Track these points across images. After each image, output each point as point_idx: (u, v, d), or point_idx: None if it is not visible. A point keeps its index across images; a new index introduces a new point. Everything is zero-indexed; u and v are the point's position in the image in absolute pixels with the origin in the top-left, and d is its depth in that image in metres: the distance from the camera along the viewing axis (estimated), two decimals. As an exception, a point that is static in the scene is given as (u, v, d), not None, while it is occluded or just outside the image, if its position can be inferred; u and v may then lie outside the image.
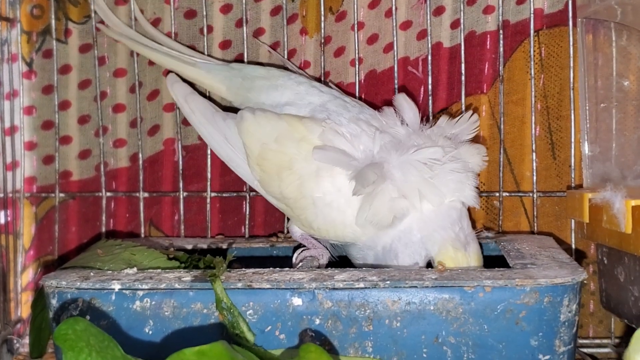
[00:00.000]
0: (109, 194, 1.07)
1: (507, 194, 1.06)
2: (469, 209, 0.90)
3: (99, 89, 1.06)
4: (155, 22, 1.05)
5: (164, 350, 0.75)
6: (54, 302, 0.79)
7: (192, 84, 1.02)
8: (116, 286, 0.78)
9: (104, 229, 1.07)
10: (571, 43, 1.02)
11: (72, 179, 1.07)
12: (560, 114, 1.05)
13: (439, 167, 0.86)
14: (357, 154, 0.88)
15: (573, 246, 1.04)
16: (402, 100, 0.92)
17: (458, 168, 0.88)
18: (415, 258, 0.86)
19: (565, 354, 0.78)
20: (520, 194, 1.06)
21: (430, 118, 1.04)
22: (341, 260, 0.95)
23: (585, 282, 0.82)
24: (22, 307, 1.06)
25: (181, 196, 1.07)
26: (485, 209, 1.06)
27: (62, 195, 1.07)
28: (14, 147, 1.06)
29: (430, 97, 1.04)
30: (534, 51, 1.04)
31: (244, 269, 0.82)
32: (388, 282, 0.77)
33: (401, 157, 0.86)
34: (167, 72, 1.06)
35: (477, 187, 0.90)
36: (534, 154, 1.04)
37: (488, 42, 1.04)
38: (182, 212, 1.07)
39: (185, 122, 1.06)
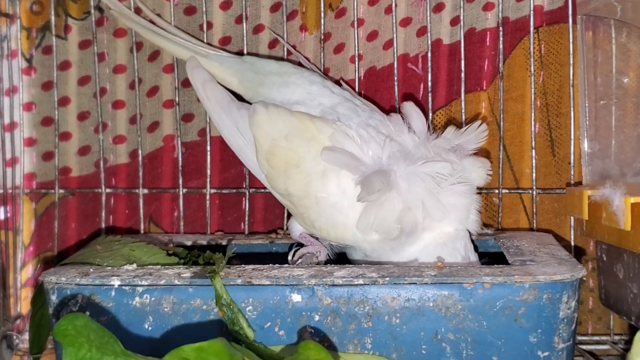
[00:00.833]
0: (108, 190, 1.07)
1: (507, 191, 1.06)
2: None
3: (98, 85, 1.06)
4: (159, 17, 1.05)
5: (163, 346, 0.75)
6: (54, 298, 0.79)
7: (189, 85, 1.02)
8: (116, 282, 0.78)
9: (103, 225, 1.07)
10: (571, 40, 1.02)
11: (72, 175, 1.07)
12: (559, 111, 1.05)
13: (446, 183, 0.87)
14: (366, 159, 0.88)
15: (572, 243, 1.04)
16: (411, 108, 0.92)
17: (466, 191, 0.88)
18: None
19: (564, 351, 0.78)
20: (519, 191, 1.06)
21: (430, 115, 1.04)
22: (340, 259, 0.95)
23: (584, 279, 0.82)
24: (22, 303, 1.06)
25: (181, 193, 1.07)
26: (484, 206, 1.06)
27: (61, 191, 1.07)
28: (14, 144, 1.06)
29: (429, 94, 1.04)
30: (534, 48, 1.04)
31: (243, 265, 0.82)
32: (387, 278, 0.77)
33: (409, 167, 0.86)
34: (168, 68, 1.06)
35: (479, 211, 0.90)
36: (533, 151, 1.04)
37: (488, 39, 1.04)
38: (181, 208, 1.07)
39: (185, 119, 1.06)
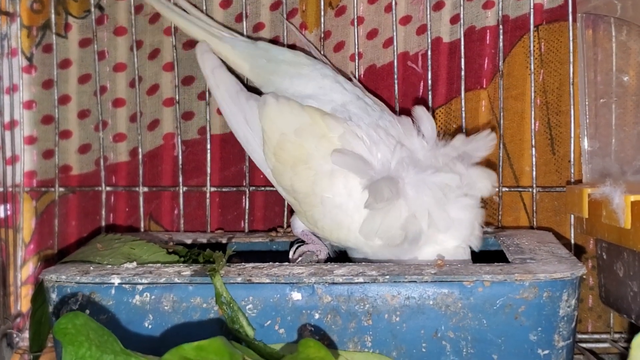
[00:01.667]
0: (108, 188, 1.07)
1: (507, 189, 1.06)
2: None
3: (98, 83, 1.06)
4: (155, 17, 1.05)
5: (163, 344, 0.75)
6: (54, 297, 0.79)
7: (189, 83, 1.02)
8: (116, 280, 0.78)
9: (103, 223, 1.07)
10: (571, 38, 1.02)
11: (72, 173, 1.08)
12: (559, 109, 1.05)
13: (453, 195, 0.86)
14: (375, 162, 0.87)
15: (572, 241, 1.04)
16: (422, 112, 0.92)
17: (472, 205, 0.88)
18: None
19: (564, 349, 0.78)
20: (519, 189, 1.06)
21: (430, 113, 1.04)
22: (340, 258, 0.95)
23: (584, 277, 0.82)
24: (22, 301, 1.06)
25: (181, 191, 1.07)
26: (484, 204, 1.06)
27: (62, 189, 1.07)
28: (14, 142, 1.06)
29: (429, 92, 1.04)
30: (534, 46, 1.04)
31: (243, 263, 0.82)
32: (387, 276, 0.77)
33: (417, 175, 0.86)
34: (169, 66, 1.06)
35: (482, 226, 0.90)
36: (533, 149, 1.04)
37: (488, 37, 1.04)
38: (181, 206, 1.07)
39: (185, 117, 1.06)
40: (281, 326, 0.77)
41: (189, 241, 1.01)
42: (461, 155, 0.90)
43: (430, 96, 1.04)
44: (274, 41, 1.06)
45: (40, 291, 0.89)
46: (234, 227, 1.09)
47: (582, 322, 1.06)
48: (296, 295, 0.77)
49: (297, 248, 0.94)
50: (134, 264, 0.83)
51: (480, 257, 0.90)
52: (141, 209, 1.07)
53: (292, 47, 1.06)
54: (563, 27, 1.04)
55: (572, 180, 1.04)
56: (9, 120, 1.05)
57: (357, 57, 1.05)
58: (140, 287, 0.78)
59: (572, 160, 1.03)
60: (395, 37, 1.04)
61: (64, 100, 1.07)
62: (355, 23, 1.05)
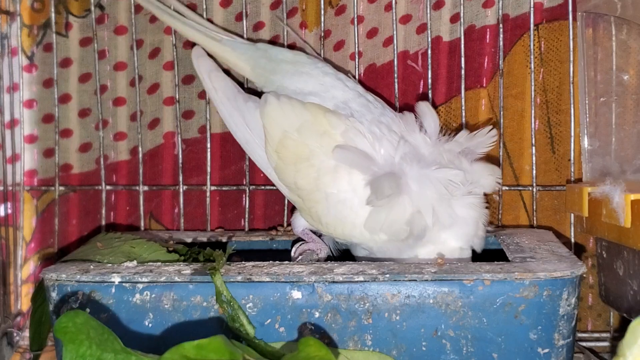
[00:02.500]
0: (109, 187, 1.07)
1: (507, 188, 1.06)
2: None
3: (99, 82, 1.06)
4: (155, 17, 1.05)
5: (163, 343, 0.76)
6: (54, 295, 0.79)
7: (190, 82, 1.02)
8: (116, 279, 0.78)
9: (104, 222, 1.07)
10: (571, 37, 1.02)
11: (73, 172, 1.08)
12: (559, 108, 1.05)
13: (457, 191, 0.86)
14: (378, 158, 0.87)
15: (572, 240, 1.04)
16: (425, 108, 0.92)
17: (476, 204, 0.88)
18: None
19: (564, 348, 0.78)
20: (519, 188, 1.06)
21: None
22: (340, 257, 0.95)
23: (584, 275, 0.82)
24: (22, 300, 1.06)
25: (181, 189, 1.07)
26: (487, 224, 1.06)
27: (62, 188, 1.07)
28: (15, 141, 1.06)
29: (429, 91, 1.04)
30: (534, 45, 1.04)
31: (243, 262, 0.82)
32: (387, 275, 0.77)
33: (421, 170, 0.86)
34: (169, 65, 1.06)
35: (486, 225, 0.91)
36: (533, 147, 1.04)
37: (487, 36, 1.04)
38: (182, 205, 1.07)
39: (186, 116, 1.06)
40: (281, 325, 0.78)
41: (189, 240, 1.01)
42: (464, 151, 0.90)
43: (430, 95, 1.04)
44: (274, 41, 1.06)
45: (40, 290, 0.89)
46: (234, 226, 1.09)
47: (581, 321, 1.06)
48: (296, 294, 0.77)
49: (298, 247, 0.94)
50: (134, 262, 0.83)
51: (480, 255, 0.90)
52: (141, 208, 1.07)
53: (292, 46, 1.06)
54: (563, 26, 1.04)
55: (572, 179, 1.04)
56: (10, 119, 1.05)
57: (357, 56, 1.05)
58: (140, 286, 0.78)
59: (572, 159, 1.03)
60: (395, 36, 1.04)
61: (64, 99, 1.07)
62: (355, 22, 1.05)
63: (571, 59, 1.02)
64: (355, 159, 0.87)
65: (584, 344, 1.02)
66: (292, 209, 0.97)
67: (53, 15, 1.05)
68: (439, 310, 0.77)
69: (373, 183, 0.85)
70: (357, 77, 1.05)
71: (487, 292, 0.76)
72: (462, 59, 1.04)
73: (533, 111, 1.04)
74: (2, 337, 1.00)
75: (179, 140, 1.07)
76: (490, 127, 0.93)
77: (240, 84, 1.01)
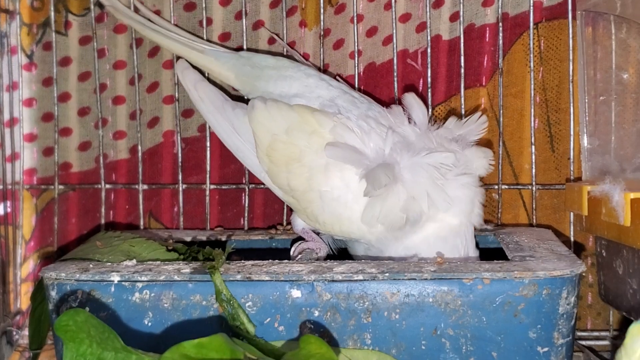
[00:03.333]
0: (108, 185, 1.07)
1: (506, 187, 1.06)
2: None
3: (98, 81, 1.06)
4: (155, 14, 1.05)
5: (163, 341, 0.76)
6: (54, 294, 0.79)
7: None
8: (115, 278, 0.78)
9: (103, 221, 1.07)
10: (570, 36, 1.02)
11: (72, 171, 1.08)
12: (559, 107, 1.05)
13: (450, 174, 0.87)
14: (368, 151, 0.88)
15: (572, 239, 1.04)
16: (412, 99, 0.92)
17: (470, 183, 0.88)
18: None
19: (563, 346, 0.78)
20: (519, 187, 1.06)
21: (430, 111, 1.04)
22: (340, 255, 0.95)
23: (583, 274, 0.82)
24: (22, 299, 1.06)
25: (180, 188, 1.07)
26: (484, 203, 1.06)
27: (61, 187, 1.07)
28: (14, 139, 1.06)
29: (429, 90, 1.04)
30: (533, 44, 1.04)
31: (243, 261, 0.82)
32: (387, 274, 0.77)
33: (412, 158, 0.86)
34: (168, 63, 1.06)
35: (483, 204, 0.91)
36: (532, 146, 1.04)
37: (487, 35, 1.04)
38: (181, 204, 1.07)
39: (185, 114, 1.06)
40: (281, 324, 0.78)
41: (188, 239, 1.01)
42: (456, 139, 0.90)
43: (429, 94, 1.04)
44: (274, 39, 1.06)
45: (40, 289, 0.89)
46: (234, 225, 1.09)
47: (581, 319, 1.06)
48: (296, 293, 0.77)
49: (297, 246, 0.94)
50: (134, 261, 0.83)
51: (480, 254, 0.90)
52: (141, 207, 1.07)
53: (292, 44, 1.06)
54: (563, 25, 1.04)
55: (572, 177, 1.04)
56: (9, 117, 1.05)
57: (356, 55, 1.05)
58: (139, 285, 0.78)
59: (571, 157, 1.03)
60: (394, 34, 1.04)
61: (64, 97, 1.07)
62: (355, 21, 1.05)
63: (571, 57, 1.02)
64: (347, 154, 0.87)
65: (583, 342, 1.02)
66: (291, 208, 0.96)
67: (52, 13, 1.05)
68: (439, 309, 0.77)
69: (368, 175, 0.85)
70: (356, 75, 1.05)
71: (487, 291, 0.76)
72: (462, 58, 1.04)
73: (532, 110, 1.04)
74: (1, 336, 1.00)
75: (178, 139, 1.07)
76: (480, 113, 0.93)
77: (227, 92, 1.01)
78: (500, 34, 1.03)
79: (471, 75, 1.05)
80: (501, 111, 1.04)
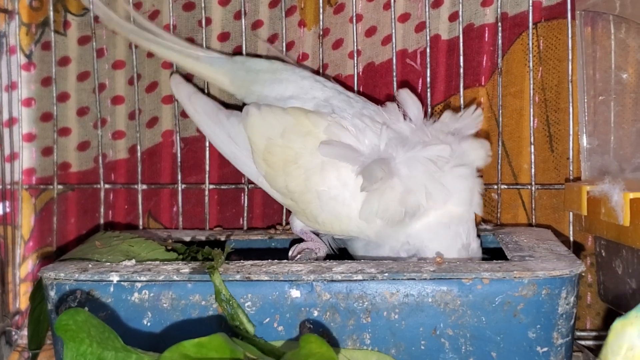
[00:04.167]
0: (107, 185, 1.07)
1: (505, 187, 1.06)
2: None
3: (97, 80, 1.06)
4: (154, 15, 1.05)
5: (162, 341, 0.75)
6: (53, 294, 0.79)
7: (189, 80, 1.03)
8: (114, 278, 0.78)
9: (102, 221, 1.07)
10: (570, 36, 1.02)
11: (71, 171, 1.08)
12: (558, 107, 1.05)
13: (447, 166, 0.87)
14: (363, 148, 0.88)
15: (571, 239, 1.04)
16: (406, 95, 0.92)
17: (467, 174, 0.89)
18: None
19: (562, 346, 0.78)
20: (518, 187, 1.06)
21: (429, 111, 1.04)
22: (340, 255, 0.95)
23: (583, 274, 0.82)
24: (21, 299, 1.06)
25: (179, 188, 1.07)
26: (483, 201, 1.06)
27: (60, 186, 1.07)
28: (13, 139, 1.06)
29: (428, 90, 1.04)
30: (533, 44, 1.04)
31: (242, 261, 0.82)
32: (386, 274, 0.77)
33: (408, 153, 0.86)
34: (167, 63, 1.06)
35: (482, 194, 0.91)
36: (532, 146, 1.04)
37: (486, 35, 1.04)
38: (180, 204, 1.07)
39: (184, 114, 1.06)
40: (280, 323, 0.77)
41: (187, 238, 1.01)
42: (451, 132, 0.91)
43: (428, 94, 1.04)
44: (273, 39, 1.06)
45: (39, 289, 0.88)
46: (233, 225, 1.09)
47: (580, 319, 1.06)
48: (295, 293, 0.77)
49: (296, 246, 0.94)
50: (133, 261, 0.83)
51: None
52: (140, 207, 1.07)
53: (291, 44, 1.06)
54: (562, 25, 1.04)
55: (571, 177, 1.04)
56: (8, 117, 1.05)
57: (355, 55, 1.05)
58: (138, 285, 0.78)
59: (570, 157, 1.03)
60: (394, 34, 1.04)
61: (63, 97, 1.07)
62: (354, 20, 1.05)
63: (570, 57, 1.02)
64: (341, 152, 0.87)
65: (582, 342, 1.02)
66: (291, 210, 0.96)
67: (52, 13, 1.05)
68: (438, 309, 0.77)
69: (364, 170, 0.86)
70: (355, 75, 1.05)
71: (486, 291, 0.76)
72: (461, 58, 1.04)
73: (532, 110, 1.04)
74: (0, 336, 1.00)
75: (177, 139, 1.07)
76: (475, 106, 0.93)
77: (219, 100, 1.02)
78: (500, 34, 1.03)
79: (470, 75, 1.05)
80: (500, 111, 1.04)
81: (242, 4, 1.05)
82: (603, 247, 0.96)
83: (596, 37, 1.01)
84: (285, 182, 0.90)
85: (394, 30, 1.04)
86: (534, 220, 1.05)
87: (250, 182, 1.06)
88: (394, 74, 1.05)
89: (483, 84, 1.05)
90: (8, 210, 1.06)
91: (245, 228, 1.08)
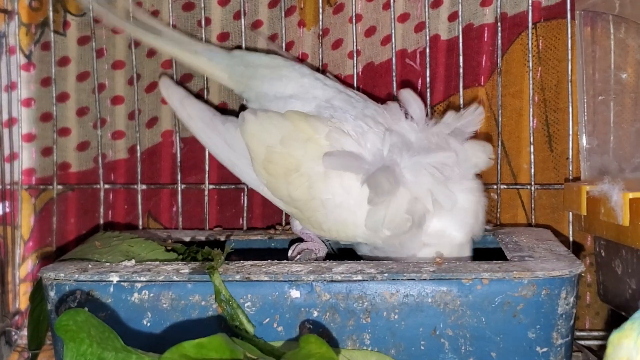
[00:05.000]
0: (107, 185, 1.07)
1: (505, 187, 1.06)
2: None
3: (97, 81, 1.06)
4: (154, 15, 1.05)
5: (162, 342, 0.75)
6: (52, 294, 0.79)
7: (188, 80, 1.02)
8: (114, 278, 0.78)
9: (102, 221, 1.07)
10: (569, 36, 1.02)
11: (71, 171, 1.08)
12: (557, 107, 1.05)
13: (454, 175, 0.87)
14: (367, 154, 0.87)
15: (570, 239, 1.04)
16: (408, 95, 0.92)
17: (474, 189, 0.89)
18: None
19: (562, 346, 0.78)
20: (517, 187, 1.06)
21: (429, 111, 1.04)
22: (341, 255, 0.95)
23: (582, 274, 0.82)
24: (21, 299, 1.06)
25: (179, 188, 1.07)
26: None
27: (60, 187, 1.07)
28: (12, 139, 1.06)
29: (427, 90, 1.04)
30: (532, 44, 1.04)
31: (242, 261, 0.82)
32: (386, 274, 0.77)
33: (412, 158, 0.86)
34: (167, 63, 1.06)
35: (485, 209, 0.91)
36: (531, 146, 1.04)
37: (486, 35, 1.04)
38: (180, 204, 1.07)
39: (184, 114, 1.06)
40: (280, 324, 0.77)
41: (187, 239, 1.01)
42: (453, 132, 0.90)
43: (428, 93, 1.04)
44: (272, 39, 1.06)
45: (38, 289, 0.89)
46: (233, 225, 1.09)
47: (579, 319, 1.06)
48: (295, 293, 0.77)
49: (296, 246, 0.94)
50: (133, 261, 0.83)
51: (479, 254, 0.90)
52: (139, 207, 1.07)
53: (290, 44, 1.06)
54: (561, 25, 1.04)
55: (570, 177, 1.04)
56: (8, 117, 1.05)
57: (355, 55, 1.05)
58: (138, 285, 0.78)
59: (570, 157, 1.03)
60: (393, 34, 1.04)
61: (62, 97, 1.07)
62: (354, 20, 1.05)
63: (569, 57, 1.02)
64: (345, 162, 0.86)
65: (582, 342, 1.02)
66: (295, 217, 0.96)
67: (51, 13, 1.05)
68: (438, 309, 0.77)
69: (370, 181, 0.85)
70: (355, 75, 1.05)
71: (486, 291, 0.76)
72: (460, 58, 1.04)
73: (531, 109, 1.04)
74: (0, 336, 1.00)
75: (177, 139, 1.07)
76: (476, 104, 0.93)
77: (212, 104, 1.02)
78: (499, 34, 1.03)
79: (470, 75, 1.05)
80: (500, 111, 1.04)
81: (241, 4, 1.05)
82: (602, 247, 0.96)
83: (595, 37, 1.01)
84: (288, 191, 0.89)
85: (393, 30, 1.04)
86: (533, 220, 1.05)
87: (249, 181, 1.07)
88: (394, 74, 1.05)
89: (482, 84, 1.05)
90: (8, 210, 1.06)
91: (245, 228, 1.08)
